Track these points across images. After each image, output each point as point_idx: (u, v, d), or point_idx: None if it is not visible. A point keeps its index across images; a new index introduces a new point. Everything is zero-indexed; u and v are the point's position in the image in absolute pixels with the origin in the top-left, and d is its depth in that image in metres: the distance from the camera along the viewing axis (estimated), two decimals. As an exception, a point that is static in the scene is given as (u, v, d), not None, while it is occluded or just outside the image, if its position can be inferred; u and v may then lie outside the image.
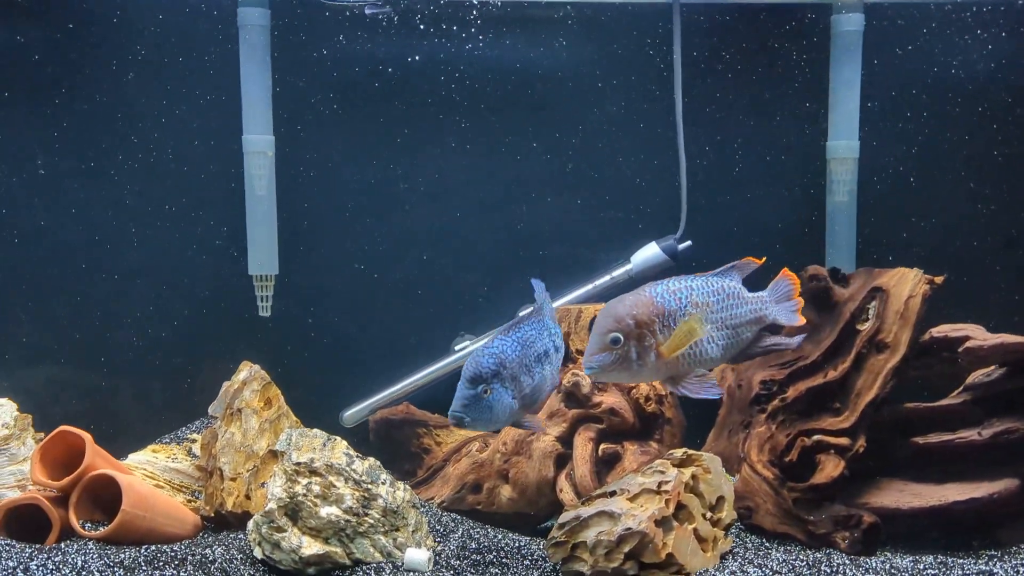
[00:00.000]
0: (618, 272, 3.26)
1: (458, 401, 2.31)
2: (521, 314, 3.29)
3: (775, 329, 2.56)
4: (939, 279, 2.86)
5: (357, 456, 2.68)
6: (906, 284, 2.84)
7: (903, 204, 3.36)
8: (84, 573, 2.19)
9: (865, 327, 2.84)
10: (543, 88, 3.35)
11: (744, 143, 3.36)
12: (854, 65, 3.18)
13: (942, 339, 2.87)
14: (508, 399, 2.32)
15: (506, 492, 2.97)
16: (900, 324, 2.81)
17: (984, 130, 3.32)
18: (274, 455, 2.84)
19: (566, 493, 2.84)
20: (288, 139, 3.29)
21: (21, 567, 2.19)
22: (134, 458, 2.89)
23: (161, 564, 2.30)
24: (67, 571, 2.19)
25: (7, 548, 2.31)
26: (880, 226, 3.34)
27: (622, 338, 2.30)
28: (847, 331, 2.86)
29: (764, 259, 2.52)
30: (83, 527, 2.46)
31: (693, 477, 2.53)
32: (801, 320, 2.54)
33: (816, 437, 2.77)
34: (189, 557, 2.37)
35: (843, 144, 3.20)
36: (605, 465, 2.87)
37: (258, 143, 3.18)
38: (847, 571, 2.38)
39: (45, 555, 2.28)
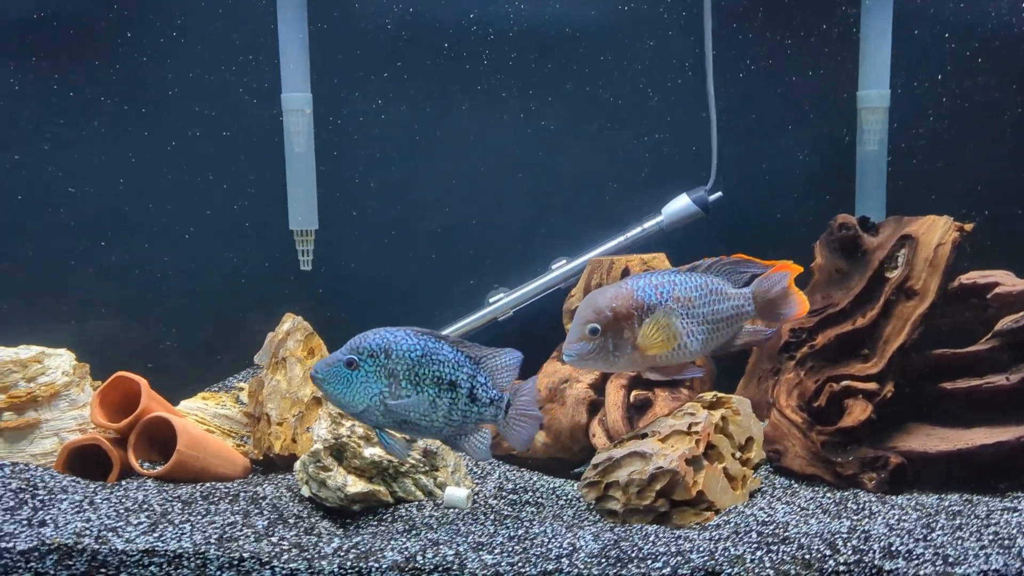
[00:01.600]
0: (649, 224, 3.30)
1: (324, 360, 2.24)
2: (554, 267, 3.38)
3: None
4: (969, 226, 2.87)
5: (398, 401, 2.79)
6: (936, 231, 2.87)
7: (934, 153, 3.35)
8: (145, 506, 2.32)
9: (894, 275, 2.87)
10: (575, 38, 3.37)
11: (775, 92, 3.37)
12: (886, 13, 3.17)
13: (971, 286, 2.90)
14: (375, 389, 2.21)
15: (540, 438, 3.06)
16: (929, 271, 2.83)
17: (1017, 78, 3.30)
18: (318, 401, 2.96)
19: (599, 438, 2.93)
20: (325, 95, 3.36)
21: (87, 500, 2.33)
22: (185, 405, 3.02)
23: (216, 499, 2.43)
24: (129, 504, 2.32)
25: (73, 484, 2.45)
26: (910, 175, 3.34)
27: (600, 329, 2.35)
28: (876, 279, 2.89)
29: (776, 262, 2.52)
30: (141, 466, 2.60)
31: (723, 419, 2.61)
32: (790, 318, 2.54)
33: (844, 383, 2.82)
34: (242, 493, 2.50)
35: (874, 93, 3.20)
36: (637, 411, 2.95)
37: (296, 101, 3.25)
38: (873, 507, 2.45)
39: (108, 490, 2.42)
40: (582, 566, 2.10)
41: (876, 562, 2.06)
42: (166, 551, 2.10)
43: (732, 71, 3.35)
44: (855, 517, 2.37)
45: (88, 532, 2.14)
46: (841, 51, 3.31)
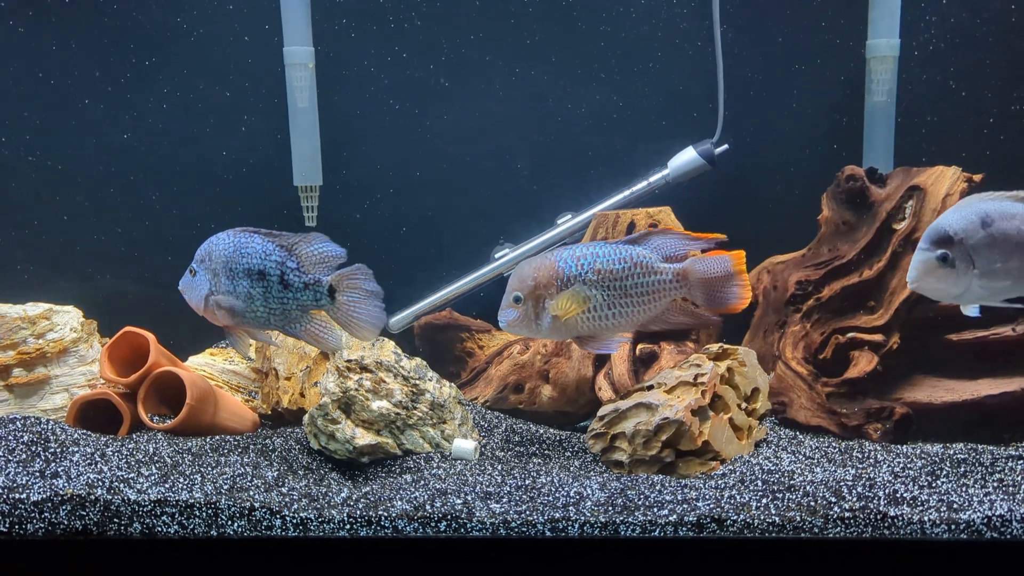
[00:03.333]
0: (655, 178, 3.28)
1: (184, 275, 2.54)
2: (559, 221, 3.37)
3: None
4: (977, 177, 2.86)
5: (404, 355, 2.80)
6: (944, 182, 2.85)
7: (943, 103, 3.31)
8: (156, 458, 2.34)
9: (901, 226, 2.86)
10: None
11: (782, 43, 3.32)
12: (895, -39, 3.12)
13: (979, 236, 2.89)
14: (204, 290, 2.47)
15: (547, 391, 3.08)
16: (937, 222, 2.82)
17: (1028, 27, 3.26)
18: (325, 356, 2.97)
19: (604, 391, 2.94)
20: (329, 48, 3.32)
21: (98, 453, 2.35)
22: (193, 360, 3.03)
23: (226, 451, 2.46)
24: (140, 456, 2.34)
25: (84, 437, 2.47)
26: (919, 126, 3.31)
27: (522, 297, 2.49)
28: (883, 230, 2.88)
29: (723, 236, 2.51)
30: (151, 420, 2.62)
31: (729, 370, 2.61)
32: (728, 308, 2.53)
33: (850, 334, 2.83)
34: (251, 446, 2.52)
35: (883, 43, 3.15)
36: (642, 364, 2.96)
37: (299, 55, 3.22)
38: (878, 456, 2.47)
39: (119, 443, 2.44)
40: (589, 514, 2.12)
41: (881, 508, 2.08)
42: (178, 501, 2.12)
43: (739, 21, 3.31)
44: (860, 465, 2.39)
45: (100, 483, 2.17)
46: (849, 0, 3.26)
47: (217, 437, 2.56)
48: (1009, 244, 2.20)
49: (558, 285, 2.48)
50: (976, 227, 2.19)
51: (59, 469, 2.24)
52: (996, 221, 2.19)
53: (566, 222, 3.34)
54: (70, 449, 2.36)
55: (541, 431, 2.92)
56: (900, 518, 2.06)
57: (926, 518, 2.06)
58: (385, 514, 2.13)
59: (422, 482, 2.39)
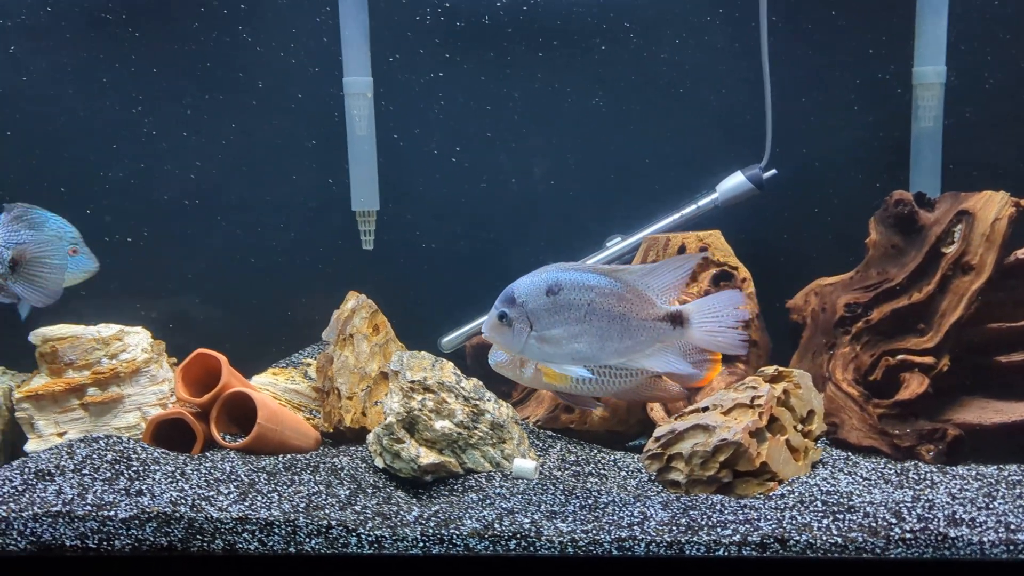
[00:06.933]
0: (703, 201, 3.35)
1: None
2: (608, 244, 3.44)
3: None
4: (1025, 202, 2.90)
5: (463, 376, 2.88)
6: (992, 207, 2.89)
7: (989, 129, 3.35)
8: (233, 476, 2.44)
9: (951, 250, 2.91)
10: (630, 17, 3.40)
11: (829, 69, 3.38)
12: (941, -11, 3.17)
13: (1028, 260, 2.93)
14: None
15: (598, 412, 3.14)
16: (985, 246, 2.87)
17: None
18: (385, 376, 3.06)
19: (657, 412, 3.00)
20: (386, 78, 3.42)
21: (179, 471, 2.45)
22: (257, 380, 3.12)
23: (298, 470, 2.54)
24: (218, 475, 2.43)
25: (163, 456, 2.57)
26: (966, 152, 3.35)
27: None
28: (932, 254, 2.93)
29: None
30: (223, 439, 2.71)
31: (784, 392, 2.67)
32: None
33: (901, 356, 2.88)
34: (321, 465, 2.61)
35: (930, 70, 3.21)
36: (694, 385, 3.02)
37: (358, 84, 3.32)
38: (935, 478, 2.51)
39: (196, 462, 2.53)
40: (654, 533, 2.18)
41: (941, 530, 2.12)
42: (258, 519, 2.21)
43: (787, 47, 3.37)
44: (917, 487, 2.43)
45: (183, 501, 2.26)
46: (897, 27, 3.31)
47: (288, 456, 2.65)
48: (576, 314, 2.20)
49: None
50: (539, 293, 2.23)
51: (143, 487, 2.34)
52: (565, 290, 2.21)
53: (615, 245, 3.40)
54: (151, 468, 2.46)
55: (595, 451, 2.98)
56: (960, 539, 2.11)
57: (985, 539, 2.10)
58: (456, 532, 2.20)
59: (487, 501, 2.46)
